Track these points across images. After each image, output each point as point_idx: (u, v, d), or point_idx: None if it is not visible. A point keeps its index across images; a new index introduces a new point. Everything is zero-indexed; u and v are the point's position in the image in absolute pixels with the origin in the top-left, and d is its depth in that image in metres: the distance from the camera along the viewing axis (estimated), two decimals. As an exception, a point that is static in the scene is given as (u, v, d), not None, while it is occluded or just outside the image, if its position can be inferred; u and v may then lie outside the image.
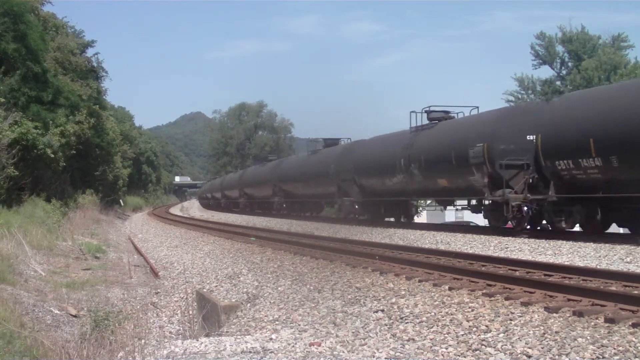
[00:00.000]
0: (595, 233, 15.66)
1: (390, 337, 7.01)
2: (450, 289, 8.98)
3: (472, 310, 7.60)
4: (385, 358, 6.30)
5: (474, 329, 6.88)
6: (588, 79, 50.51)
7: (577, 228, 17.21)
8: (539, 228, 18.57)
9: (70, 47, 36.70)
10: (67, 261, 15.73)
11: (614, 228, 17.54)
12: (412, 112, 23.07)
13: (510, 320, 7.03)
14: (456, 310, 7.69)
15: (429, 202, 27.55)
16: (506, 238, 16.06)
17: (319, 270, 11.97)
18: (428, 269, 10.74)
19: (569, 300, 7.67)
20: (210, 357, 6.68)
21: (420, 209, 25.18)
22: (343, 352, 6.63)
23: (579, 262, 11.43)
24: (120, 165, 54.30)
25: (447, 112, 22.72)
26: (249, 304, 10.15)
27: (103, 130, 41.45)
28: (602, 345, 5.85)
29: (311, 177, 32.64)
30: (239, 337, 7.77)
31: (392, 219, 26.32)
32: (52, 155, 24.69)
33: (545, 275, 9.81)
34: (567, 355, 5.76)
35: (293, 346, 6.93)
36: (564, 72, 58.13)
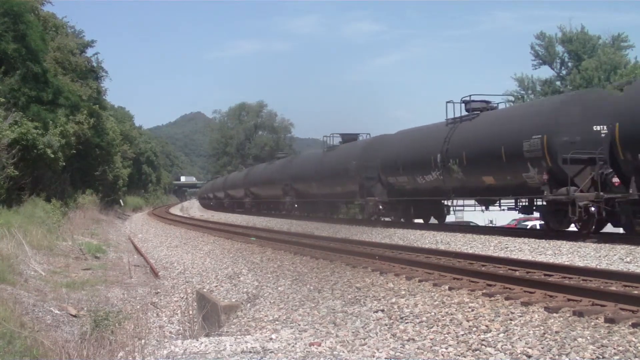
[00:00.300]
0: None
1: (390, 337, 7.00)
2: (450, 289, 8.98)
3: (472, 310, 7.60)
4: (385, 358, 6.30)
5: (474, 329, 6.88)
6: (588, 79, 50.54)
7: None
8: (606, 231, 16.82)
9: (70, 47, 36.69)
10: (67, 261, 15.73)
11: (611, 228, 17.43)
12: (449, 102, 21.24)
13: (510, 320, 7.03)
14: (456, 310, 7.69)
15: (459, 202, 24.02)
16: (506, 238, 16.04)
17: (319, 270, 11.97)
18: (428, 269, 10.74)
19: (569, 300, 7.67)
20: (210, 357, 6.68)
21: (455, 209, 22.46)
22: (343, 352, 6.63)
23: (579, 262, 11.43)
24: (120, 165, 54.28)
25: (487, 102, 20.87)
26: (249, 304, 10.15)
27: (103, 130, 41.45)
28: (602, 345, 5.85)
29: (328, 175, 30.42)
30: (239, 337, 7.77)
31: (420, 221, 24.56)
32: (52, 155, 24.70)
33: (545, 275, 9.81)
34: (567, 355, 5.76)
35: (293, 346, 6.93)
36: (564, 72, 58.15)
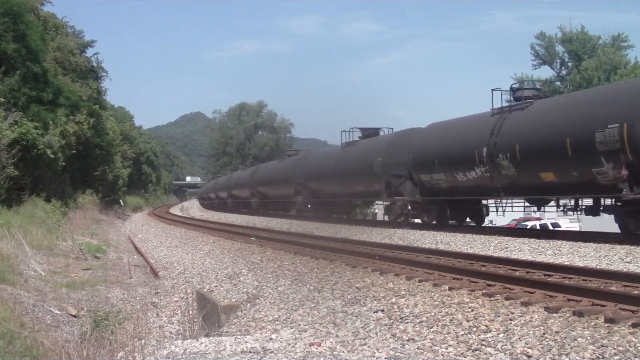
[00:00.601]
0: None
1: (390, 337, 7.00)
2: (450, 289, 8.98)
3: (472, 310, 7.60)
4: (385, 358, 6.30)
5: (474, 329, 6.88)
6: (588, 79, 50.59)
7: None
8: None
9: (70, 47, 36.73)
10: (67, 261, 15.73)
11: (614, 228, 17.36)
12: (495, 89, 19.42)
13: (510, 320, 7.03)
14: (456, 310, 7.68)
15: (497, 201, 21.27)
16: (506, 238, 16.04)
17: (319, 270, 11.96)
18: (428, 269, 10.73)
19: (569, 300, 7.66)
20: (210, 357, 6.68)
21: (504, 209, 19.68)
22: (343, 352, 6.63)
23: (579, 262, 11.43)
24: (120, 165, 54.30)
25: (538, 90, 19.13)
26: (249, 304, 10.15)
27: (103, 130, 41.48)
28: (602, 345, 5.85)
29: (347, 173, 27.70)
30: (239, 337, 7.77)
31: (455, 222, 22.22)
32: (52, 156, 24.72)
33: (545, 275, 9.81)
34: (567, 355, 5.76)
35: (293, 346, 6.93)
36: (564, 72, 58.23)
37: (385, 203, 25.46)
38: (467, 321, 7.17)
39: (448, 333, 6.86)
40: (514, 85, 19.55)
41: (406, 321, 7.56)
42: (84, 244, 19.25)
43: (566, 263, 11.32)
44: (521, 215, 30.41)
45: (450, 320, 7.31)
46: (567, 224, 30.00)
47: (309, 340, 7.17)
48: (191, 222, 35.68)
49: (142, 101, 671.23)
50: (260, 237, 20.11)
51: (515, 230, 20.73)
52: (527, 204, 19.20)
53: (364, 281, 10.31)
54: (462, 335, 6.72)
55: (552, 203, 18.32)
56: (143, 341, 7.58)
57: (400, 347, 6.60)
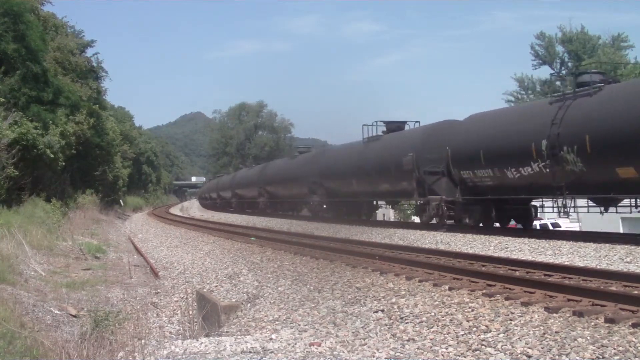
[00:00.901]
0: None
1: (390, 337, 7.01)
2: (450, 289, 8.98)
3: (472, 310, 7.60)
4: (385, 358, 6.30)
5: (474, 329, 6.88)
6: (588, 79, 50.48)
7: None
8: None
9: (70, 47, 36.74)
10: (67, 261, 15.74)
11: (614, 228, 17.36)
12: (554, 74, 17.62)
13: (510, 320, 7.03)
14: (456, 310, 7.69)
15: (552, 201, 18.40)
16: (506, 238, 16.05)
17: (319, 270, 11.97)
18: (428, 269, 10.74)
19: (569, 300, 7.67)
20: (210, 357, 6.69)
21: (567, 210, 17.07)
22: (343, 352, 6.63)
23: (579, 262, 11.43)
24: (120, 165, 54.33)
25: (602, 74, 17.43)
26: (249, 304, 10.15)
27: (103, 130, 41.49)
28: (602, 345, 5.85)
29: (370, 170, 25.34)
30: (239, 337, 7.78)
31: (499, 225, 19.91)
32: (52, 155, 24.72)
33: (545, 275, 9.81)
34: (567, 355, 5.76)
35: (293, 346, 6.93)
36: (563, 72, 58.20)
37: (417, 203, 23.30)
38: (467, 321, 7.17)
39: (448, 333, 6.86)
40: (573, 70, 18.14)
41: (406, 321, 7.56)
42: (84, 244, 19.25)
43: (566, 263, 11.32)
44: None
45: (450, 320, 7.31)
46: (567, 224, 29.94)
47: (309, 340, 7.17)
48: (191, 222, 35.69)
49: (142, 101, 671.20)
50: (260, 237, 20.11)
51: (515, 230, 20.72)
52: (591, 203, 16.82)
53: (364, 281, 10.31)
54: (462, 335, 6.72)
55: (626, 202, 16.18)
56: (143, 341, 7.57)
57: (400, 347, 6.60)
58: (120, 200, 56.79)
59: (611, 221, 16.63)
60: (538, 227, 27.32)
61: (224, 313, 9.62)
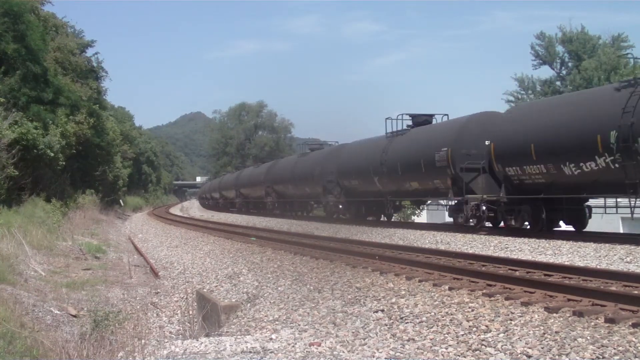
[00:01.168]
0: None
1: (390, 337, 7.01)
2: (450, 289, 8.98)
3: (472, 310, 7.61)
4: (385, 358, 6.30)
5: (474, 329, 6.88)
6: (588, 79, 50.60)
7: None
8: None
9: (70, 47, 36.75)
10: (67, 261, 15.73)
11: (614, 228, 17.33)
12: (625, 54, 16.13)
13: (510, 320, 7.04)
14: (456, 310, 7.69)
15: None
16: (506, 238, 16.05)
17: (319, 270, 11.97)
18: (428, 269, 10.74)
19: (569, 300, 7.67)
20: (210, 357, 6.69)
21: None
22: (343, 352, 6.63)
23: (579, 262, 11.43)
24: (120, 165, 54.33)
25: None
26: (249, 304, 10.15)
27: (103, 130, 41.49)
28: (602, 345, 5.85)
29: (396, 168, 23.25)
30: (239, 337, 7.77)
31: (560, 227, 18.24)
32: (52, 154, 24.73)
33: (545, 275, 9.82)
34: (567, 355, 5.76)
35: (293, 346, 6.93)
36: (564, 72, 58.23)
37: (451, 203, 21.21)
38: (467, 321, 7.17)
39: (448, 333, 6.86)
40: None
41: (406, 321, 7.56)
42: (84, 244, 19.25)
43: (566, 263, 11.33)
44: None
45: (450, 320, 7.31)
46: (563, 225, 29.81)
47: (309, 340, 7.17)
48: (191, 222, 35.69)
49: (142, 101, 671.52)
50: (260, 237, 20.12)
51: (515, 230, 20.65)
52: None
53: (364, 281, 10.31)
54: (462, 335, 6.72)
55: (625, 202, 15.10)
56: (143, 341, 7.57)
57: (400, 347, 6.60)
58: (120, 200, 56.78)
59: (611, 221, 16.50)
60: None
61: (224, 313, 9.62)
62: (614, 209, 16.90)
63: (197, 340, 7.54)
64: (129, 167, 64.19)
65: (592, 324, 6.60)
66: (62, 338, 8.19)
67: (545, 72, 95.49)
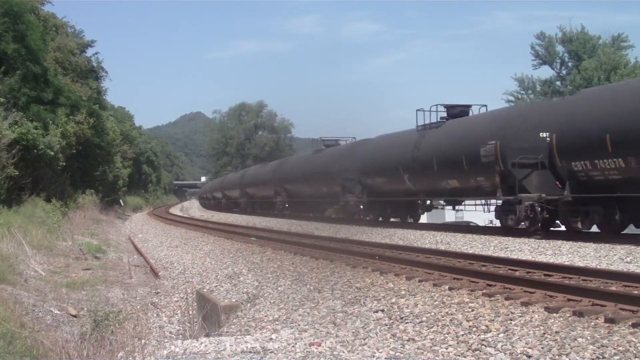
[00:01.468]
0: None
1: (390, 337, 7.01)
2: (450, 289, 8.98)
3: (472, 310, 7.61)
4: (385, 358, 6.30)
5: (474, 329, 6.88)
6: (588, 79, 50.60)
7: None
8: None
9: (70, 47, 36.77)
10: (67, 261, 15.73)
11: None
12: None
13: (510, 320, 7.04)
14: (456, 310, 7.69)
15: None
16: (506, 238, 16.04)
17: (319, 270, 11.97)
18: (428, 269, 10.74)
19: (569, 300, 7.67)
20: (210, 357, 6.69)
21: None
22: (343, 352, 6.63)
23: (579, 262, 11.43)
24: (120, 165, 54.34)
25: None
26: (249, 304, 10.16)
27: (103, 130, 41.52)
28: (602, 345, 5.85)
29: (431, 164, 20.85)
30: (239, 337, 7.78)
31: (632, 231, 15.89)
32: (52, 154, 24.74)
33: (545, 275, 9.81)
34: (567, 355, 5.76)
35: (293, 346, 6.93)
36: (564, 72, 58.25)
37: (498, 202, 18.71)
38: (467, 321, 7.17)
39: (448, 333, 6.86)
40: None
41: (406, 321, 7.56)
42: (84, 244, 19.25)
43: (566, 263, 11.32)
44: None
45: (451, 320, 7.31)
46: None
47: (309, 340, 7.17)
48: (191, 222, 35.69)
49: (142, 101, 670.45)
50: (260, 237, 20.12)
51: (515, 230, 20.64)
52: None
53: (364, 281, 10.31)
54: (462, 335, 6.72)
55: None
56: (143, 341, 7.57)
57: (400, 347, 6.60)
58: (120, 200, 56.78)
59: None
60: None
61: (224, 313, 9.62)
62: None
63: (197, 340, 7.54)
64: (129, 167, 64.19)
65: (592, 324, 6.60)
66: (62, 338, 8.19)
67: (545, 72, 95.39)
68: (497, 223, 18.79)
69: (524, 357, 5.87)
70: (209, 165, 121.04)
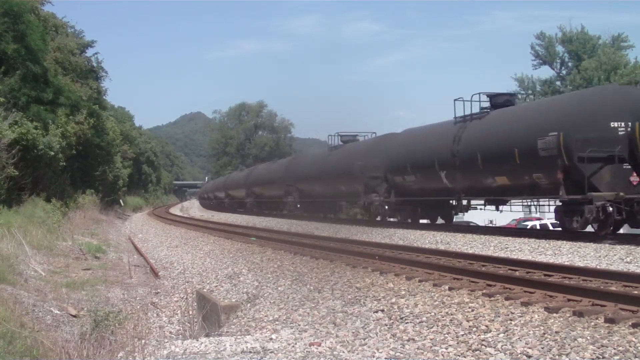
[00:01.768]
0: None
1: (390, 337, 7.00)
2: (450, 289, 8.98)
3: (472, 310, 7.61)
4: (385, 358, 6.30)
5: (474, 329, 6.88)
6: (588, 79, 50.60)
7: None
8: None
9: (70, 47, 36.77)
10: (67, 261, 15.73)
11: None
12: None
13: (510, 320, 7.04)
14: (456, 310, 7.69)
15: None
16: (506, 238, 16.04)
17: (319, 270, 11.97)
18: (428, 269, 10.74)
19: (569, 300, 7.67)
20: (210, 357, 6.69)
21: None
22: (343, 352, 6.63)
23: (579, 262, 11.43)
24: (120, 165, 54.33)
25: None
26: (249, 304, 10.15)
27: (103, 130, 41.52)
28: (602, 345, 5.85)
29: (472, 160, 18.82)
30: (239, 337, 7.77)
31: None
32: (52, 154, 24.74)
33: (545, 275, 9.81)
34: (567, 355, 5.76)
35: (293, 346, 6.93)
36: (564, 72, 58.23)
37: (558, 202, 16.85)
38: (467, 321, 7.17)
39: (448, 333, 6.86)
40: None
41: (406, 321, 7.56)
42: (84, 244, 19.24)
43: (566, 263, 11.32)
44: (521, 215, 29.94)
45: (450, 320, 7.31)
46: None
47: (309, 340, 7.17)
48: (191, 222, 35.69)
49: (142, 101, 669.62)
50: (260, 237, 20.11)
51: (515, 230, 20.69)
52: None
53: (364, 281, 10.31)
54: (462, 335, 6.72)
55: None
56: (143, 341, 7.57)
57: (400, 347, 6.60)
58: (120, 200, 56.76)
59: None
60: (538, 227, 27.38)
61: (224, 313, 9.62)
62: None
63: (197, 340, 7.54)
64: (129, 167, 64.19)
65: (592, 324, 6.60)
66: (62, 338, 8.19)
67: (545, 72, 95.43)
68: (497, 223, 18.10)
69: (524, 357, 5.87)
70: (209, 165, 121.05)
